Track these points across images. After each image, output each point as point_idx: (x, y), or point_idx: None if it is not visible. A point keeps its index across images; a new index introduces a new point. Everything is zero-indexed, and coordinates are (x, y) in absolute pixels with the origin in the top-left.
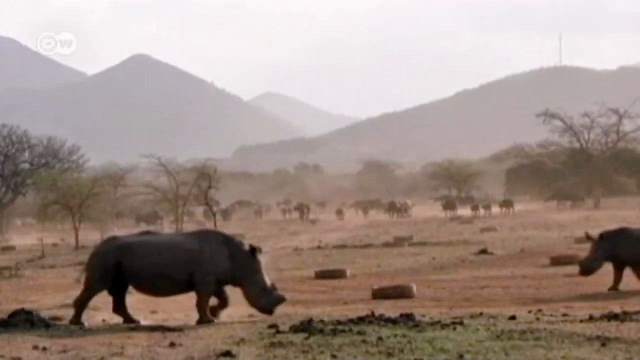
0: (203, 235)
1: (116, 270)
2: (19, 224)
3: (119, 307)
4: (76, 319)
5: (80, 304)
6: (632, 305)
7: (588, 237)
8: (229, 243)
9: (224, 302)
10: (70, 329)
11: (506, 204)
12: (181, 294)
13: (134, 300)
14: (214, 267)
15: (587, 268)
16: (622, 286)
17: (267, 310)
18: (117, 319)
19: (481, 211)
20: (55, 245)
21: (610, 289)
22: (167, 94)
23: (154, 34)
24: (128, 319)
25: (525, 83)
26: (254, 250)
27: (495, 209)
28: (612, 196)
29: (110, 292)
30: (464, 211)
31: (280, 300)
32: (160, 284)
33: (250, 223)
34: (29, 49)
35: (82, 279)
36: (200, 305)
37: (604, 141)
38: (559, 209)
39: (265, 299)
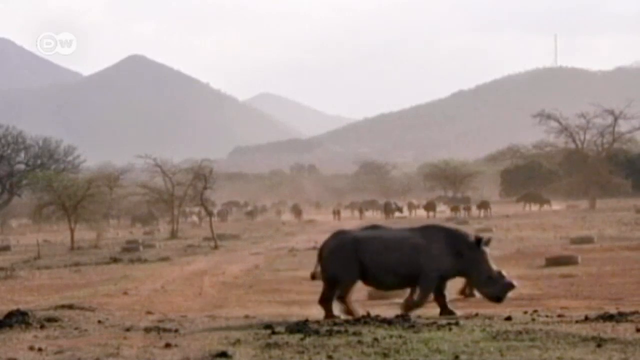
0: (428, 231)
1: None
2: (14, 224)
3: (329, 300)
4: (351, 314)
5: (347, 304)
6: (627, 306)
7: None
8: (454, 237)
9: (442, 298)
10: (66, 331)
11: (483, 205)
12: (406, 288)
13: (134, 300)
14: (439, 264)
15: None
16: (629, 291)
17: (497, 298)
18: (112, 320)
19: (462, 212)
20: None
21: None
22: (163, 94)
23: (149, 34)
24: (330, 314)
25: (521, 84)
26: (478, 241)
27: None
28: (607, 197)
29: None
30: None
31: (509, 286)
32: (387, 279)
33: (246, 224)
34: (25, 49)
35: (318, 274)
36: (419, 301)
37: (600, 142)
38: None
39: (493, 288)
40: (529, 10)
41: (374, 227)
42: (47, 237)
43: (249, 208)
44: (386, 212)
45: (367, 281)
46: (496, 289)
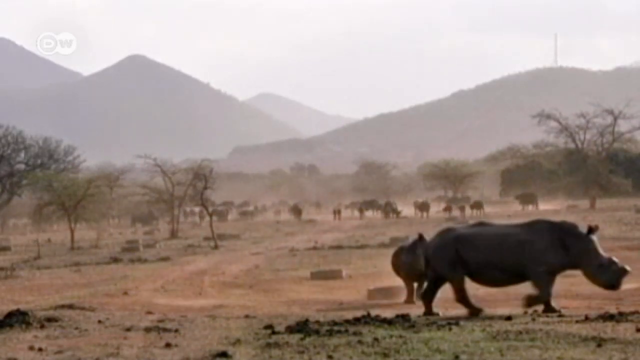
0: (534, 226)
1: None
2: (15, 224)
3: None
4: (429, 312)
5: (426, 297)
6: (627, 306)
7: None
8: (560, 230)
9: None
10: (66, 331)
11: (477, 205)
12: (515, 284)
13: (134, 300)
14: (545, 258)
15: None
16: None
17: (611, 285)
18: (112, 320)
19: (455, 212)
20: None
21: None
22: (163, 94)
23: (150, 34)
24: (473, 310)
25: (521, 84)
26: (590, 230)
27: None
28: (607, 197)
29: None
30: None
31: (621, 271)
32: (492, 275)
33: (246, 224)
34: (25, 49)
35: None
36: (538, 297)
37: (600, 142)
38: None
39: (605, 275)
40: (529, 10)
41: (480, 224)
42: (48, 237)
43: (250, 208)
44: (386, 212)
45: (474, 278)
46: (609, 276)
